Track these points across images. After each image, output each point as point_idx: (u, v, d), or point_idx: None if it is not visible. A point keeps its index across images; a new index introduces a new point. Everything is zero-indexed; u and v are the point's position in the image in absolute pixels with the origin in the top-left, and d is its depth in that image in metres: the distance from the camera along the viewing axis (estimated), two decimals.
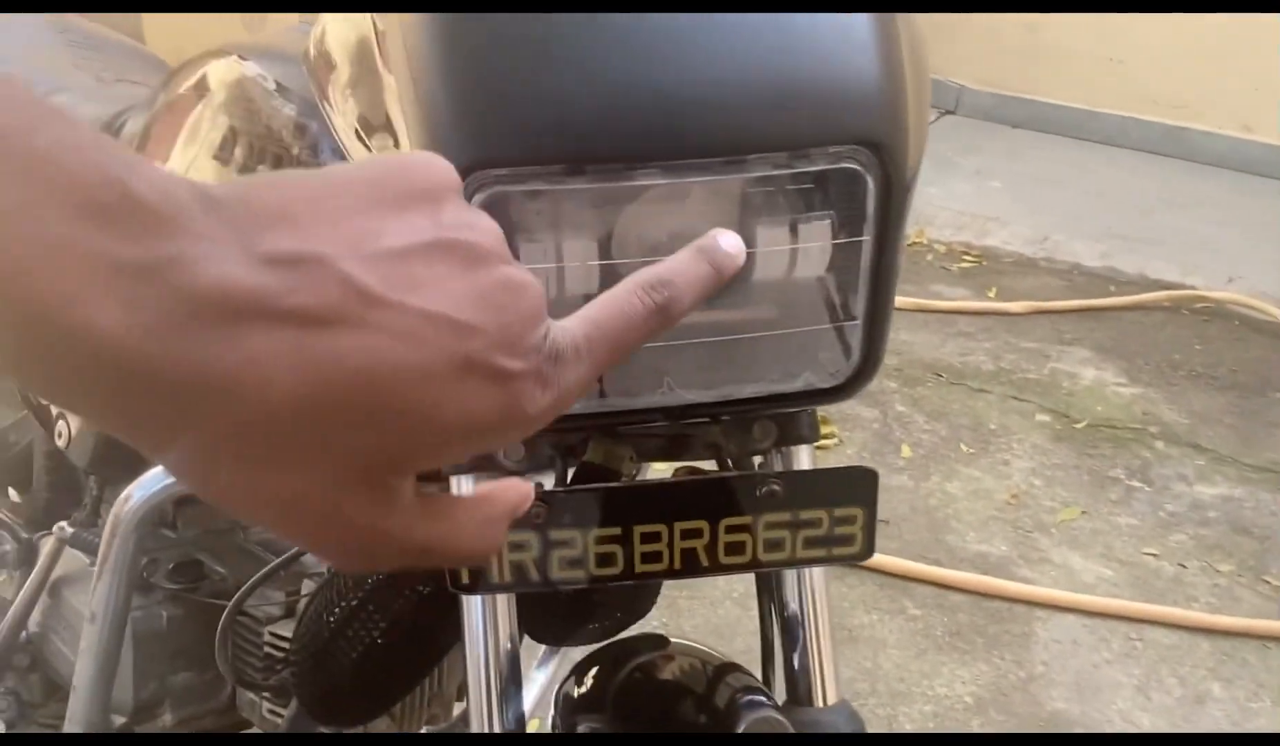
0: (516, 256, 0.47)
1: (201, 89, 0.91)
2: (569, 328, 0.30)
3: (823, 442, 2.15)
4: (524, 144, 0.45)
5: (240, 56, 0.90)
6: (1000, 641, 1.70)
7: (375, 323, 0.24)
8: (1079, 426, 2.26)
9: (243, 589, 0.81)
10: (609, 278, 0.48)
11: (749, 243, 0.48)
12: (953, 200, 3.32)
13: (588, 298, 0.48)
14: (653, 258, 0.47)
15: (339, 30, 0.63)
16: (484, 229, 0.27)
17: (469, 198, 0.45)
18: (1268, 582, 1.83)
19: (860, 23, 0.48)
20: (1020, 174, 3.58)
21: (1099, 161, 3.73)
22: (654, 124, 0.45)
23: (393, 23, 0.50)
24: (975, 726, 1.54)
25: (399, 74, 0.49)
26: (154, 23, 3.84)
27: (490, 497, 0.31)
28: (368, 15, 0.57)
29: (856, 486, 0.54)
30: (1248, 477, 2.11)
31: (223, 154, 0.87)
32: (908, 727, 1.54)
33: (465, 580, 0.53)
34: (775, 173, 0.47)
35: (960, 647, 1.69)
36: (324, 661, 0.71)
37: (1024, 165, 3.67)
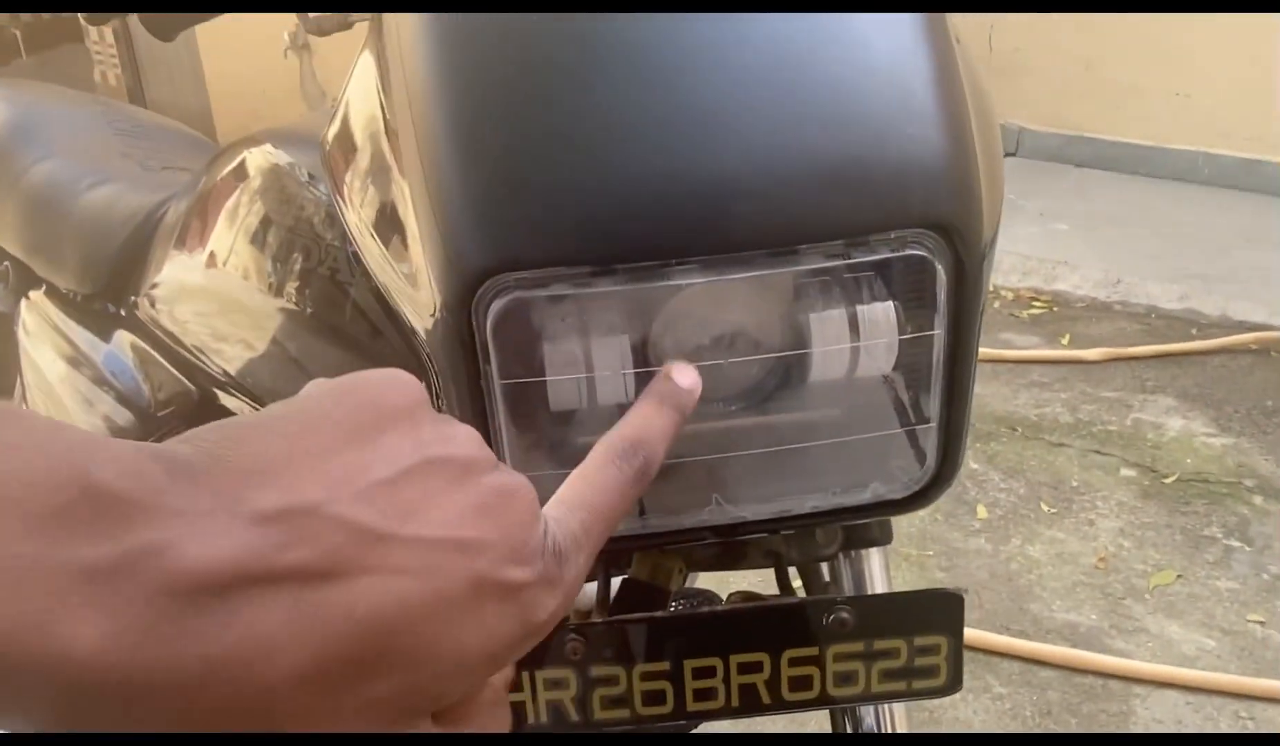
0: (542, 366, 0.42)
1: (240, 175, 0.91)
2: (563, 519, 0.28)
3: None
4: (546, 244, 0.40)
5: (274, 145, 0.89)
6: (1097, 721, 1.58)
7: (379, 561, 0.23)
8: (1168, 481, 2.13)
9: None
10: (644, 386, 0.42)
11: (803, 341, 0.43)
12: (1018, 244, 3.22)
13: (621, 408, 0.43)
14: (697, 362, 0.42)
15: (357, 114, 0.59)
16: (465, 439, 0.26)
17: (488, 304, 0.41)
18: None
19: (921, 88, 0.43)
20: (1088, 214, 3.47)
21: (1170, 199, 3.60)
22: (689, 215, 0.40)
23: (404, 110, 0.46)
24: None
25: (410, 168, 0.44)
26: (221, 104, 3.96)
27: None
28: (378, 99, 0.53)
29: (939, 611, 0.47)
30: None
31: (257, 240, 0.86)
32: None
33: None
34: (830, 264, 0.41)
35: (1052, 729, 1.57)
36: None
37: (1091, 205, 3.55)
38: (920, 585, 1.84)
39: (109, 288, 1.06)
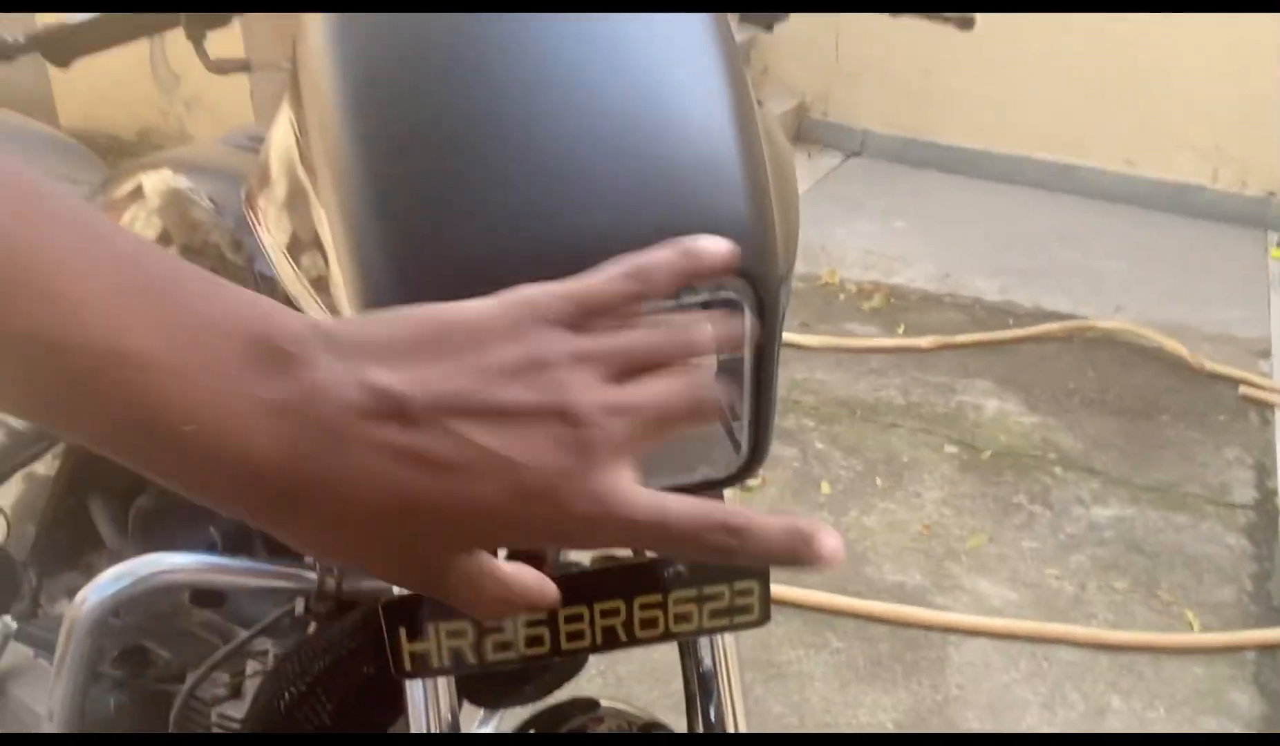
0: None
1: (136, 196, 0.96)
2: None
3: (748, 484, 2.29)
4: (448, 293, 0.52)
5: (172, 170, 0.96)
6: (918, 667, 1.80)
7: (444, 458, 0.30)
8: (984, 456, 2.39)
9: (194, 675, 0.86)
10: None
11: None
12: (861, 240, 3.48)
13: None
14: None
15: (277, 140, 0.67)
16: (583, 384, 0.32)
17: None
18: (1159, 597, 1.97)
19: (730, 165, 0.57)
20: (923, 213, 3.77)
21: (996, 199, 3.94)
22: (558, 267, 0.53)
23: (322, 163, 0.56)
24: None
25: (326, 201, 0.55)
26: (62, 85, 3.81)
27: (513, 586, 0.34)
28: (290, 122, 0.63)
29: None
30: (1138, 498, 2.26)
31: None
32: None
33: (408, 666, 0.59)
34: (665, 305, 0.55)
35: (881, 676, 1.78)
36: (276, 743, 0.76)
37: (926, 205, 3.86)
38: None
39: None
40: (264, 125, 0.96)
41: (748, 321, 0.57)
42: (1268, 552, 2.10)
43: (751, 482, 2.29)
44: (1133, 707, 1.73)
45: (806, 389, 2.63)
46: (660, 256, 0.38)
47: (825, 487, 2.27)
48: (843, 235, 3.49)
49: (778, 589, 1.93)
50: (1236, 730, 1.69)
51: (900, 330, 2.94)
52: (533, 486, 0.31)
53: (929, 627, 1.88)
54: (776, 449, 2.37)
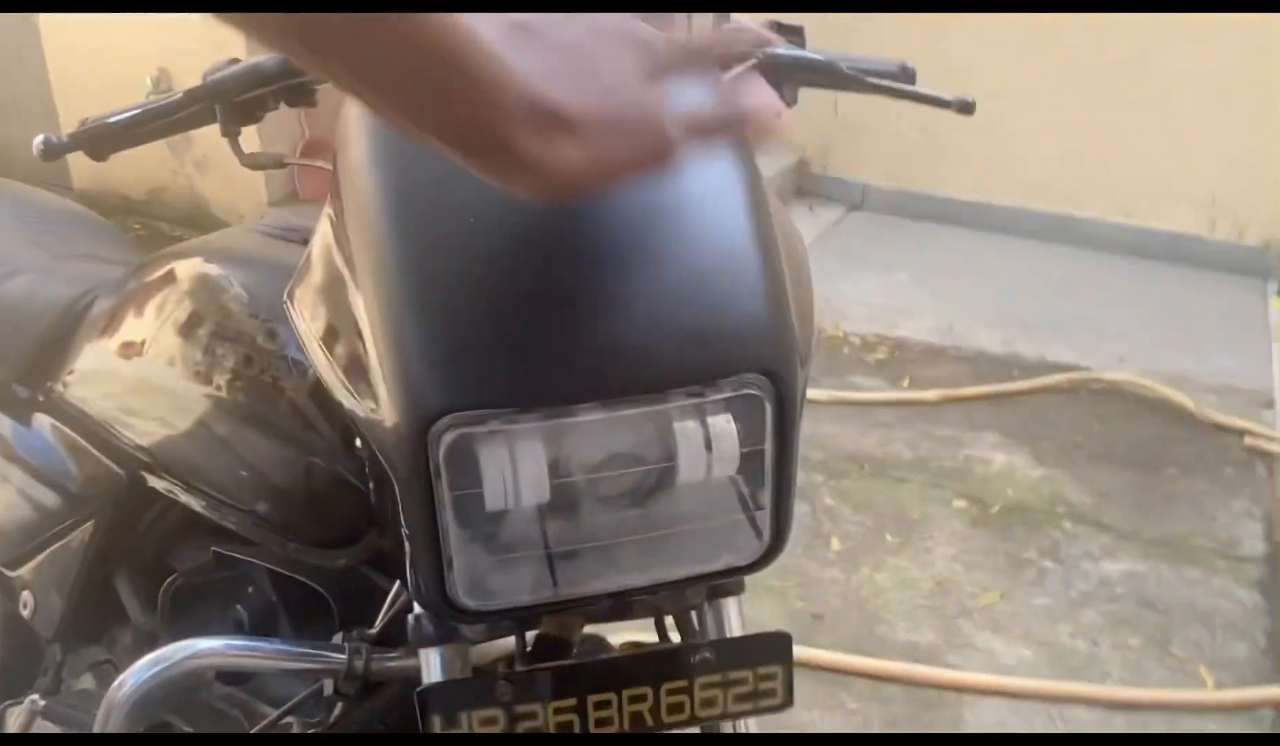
0: (479, 478, 0.56)
1: (169, 280, 0.98)
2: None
3: None
4: (485, 393, 0.55)
5: (204, 258, 0.99)
6: (934, 729, 1.80)
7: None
8: (993, 511, 2.40)
9: None
10: (557, 492, 0.57)
11: (672, 455, 0.58)
12: (864, 293, 3.51)
13: (541, 510, 0.58)
14: (593, 475, 0.57)
15: (318, 236, 0.70)
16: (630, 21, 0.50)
17: (439, 436, 0.55)
18: (1173, 654, 1.97)
19: (750, 269, 0.60)
20: (925, 265, 3.81)
21: (996, 250, 3.98)
22: (590, 371, 0.55)
23: (359, 244, 0.59)
24: None
25: (367, 298, 0.58)
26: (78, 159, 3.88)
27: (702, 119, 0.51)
28: (329, 218, 0.65)
29: (774, 648, 0.64)
30: (1149, 552, 2.27)
31: (188, 335, 0.93)
32: None
33: None
34: (691, 402, 0.57)
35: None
36: None
37: (928, 257, 3.90)
38: (781, 612, 2.03)
39: (30, 374, 1.12)
40: (296, 213, 0.99)
41: (768, 415, 0.59)
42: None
43: None
44: None
45: (815, 444, 2.64)
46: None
47: (835, 544, 2.28)
48: (846, 289, 3.53)
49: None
50: None
51: (905, 383, 2.96)
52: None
53: (943, 687, 1.87)
54: None
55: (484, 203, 0.57)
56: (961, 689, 1.87)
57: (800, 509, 2.38)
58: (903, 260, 3.83)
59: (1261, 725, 1.81)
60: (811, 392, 2.80)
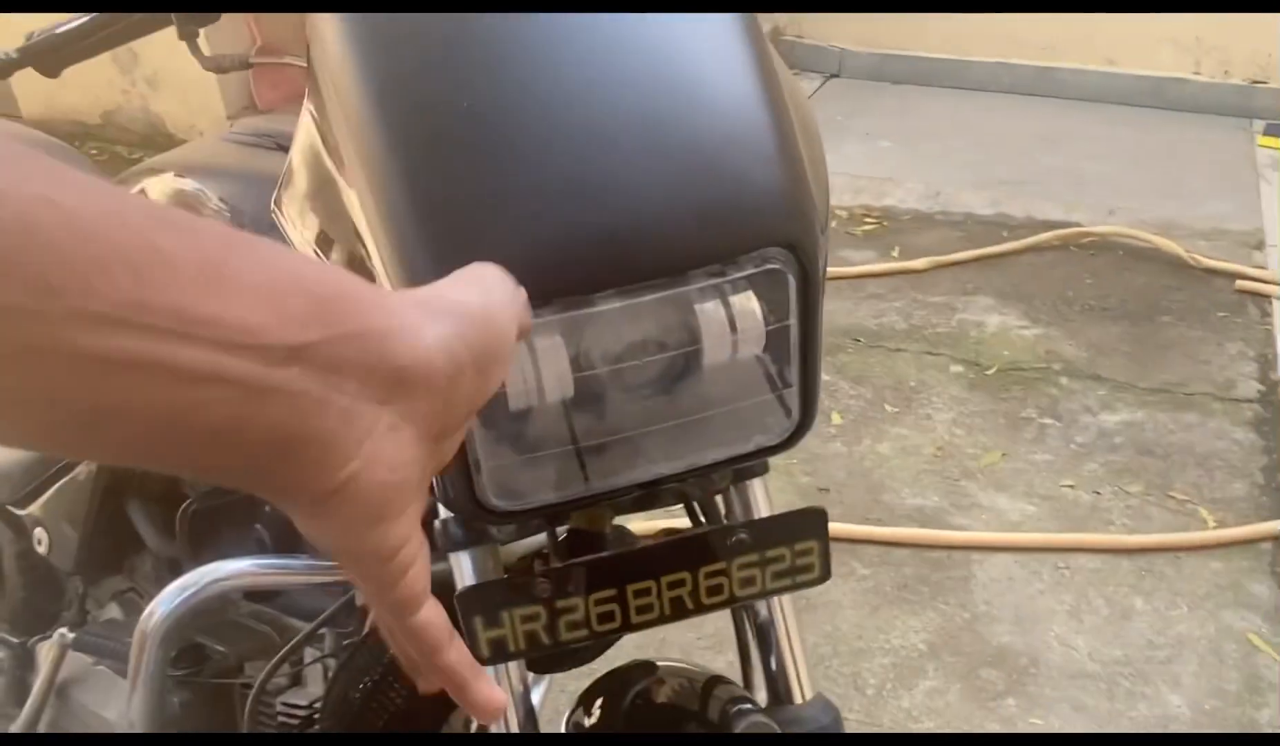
0: (502, 385, 0.55)
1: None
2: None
3: None
4: None
5: (176, 173, 0.95)
6: (944, 588, 1.84)
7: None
8: (990, 373, 2.42)
9: (264, 672, 0.87)
10: (581, 386, 0.56)
11: (696, 338, 0.57)
12: (848, 164, 3.46)
13: (565, 405, 0.56)
14: (616, 366, 0.55)
15: (299, 138, 0.66)
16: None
17: None
18: (1173, 497, 2.01)
19: (764, 136, 0.57)
20: (907, 130, 3.74)
21: (977, 109, 3.91)
22: (606, 257, 0.53)
23: (346, 139, 0.56)
24: (930, 670, 1.68)
25: (360, 193, 0.55)
26: (25, 86, 3.72)
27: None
28: (310, 115, 0.62)
29: (810, 524, 0.63)
30: (1146, 401, 2.29)
31: None
32: (870, 682, 1.66)
33: (486, 653, 0.61)
34: (711, 282, 0.55)
35: (908, 599, 1.82)
36: (355, 728, 0.78)
37: (909, 121, 3.83)
38: (789, 488, 2.05)
39: None
40: (268, 118, 0.94)
41: (792, 291, 0.57)
42: (1276, 444, 2.14)
43: None
44: (1156, 607, 1.77)
45: None
46: None
47: (836, 418, 2.29)
48: (830, 161, 3.44)
49: None
50: (1257, 621, 1.74)
51: (895, 253, 2.94)
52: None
53: (951, 548, 1.91)
54: None
55: (476, 87, 0.54)
56: (969, 548, 1.91)
57: None
58: (885, 127, 3.76)
59: (1262, 559, 1.86)
60: None
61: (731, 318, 0.56)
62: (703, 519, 0.74)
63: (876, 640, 1.74)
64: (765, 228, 0.55)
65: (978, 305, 2.68)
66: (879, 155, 3.56)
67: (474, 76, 0.55)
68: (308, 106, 0.63)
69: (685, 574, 0.62)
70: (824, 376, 2.42)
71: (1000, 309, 2.66)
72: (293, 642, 0.83)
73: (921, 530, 1.94)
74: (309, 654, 0.95)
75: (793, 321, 0.58)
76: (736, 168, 0.55)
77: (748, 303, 0.56)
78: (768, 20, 4.29)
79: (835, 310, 2.67)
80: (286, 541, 0.94)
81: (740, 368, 0.58)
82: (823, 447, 2.19)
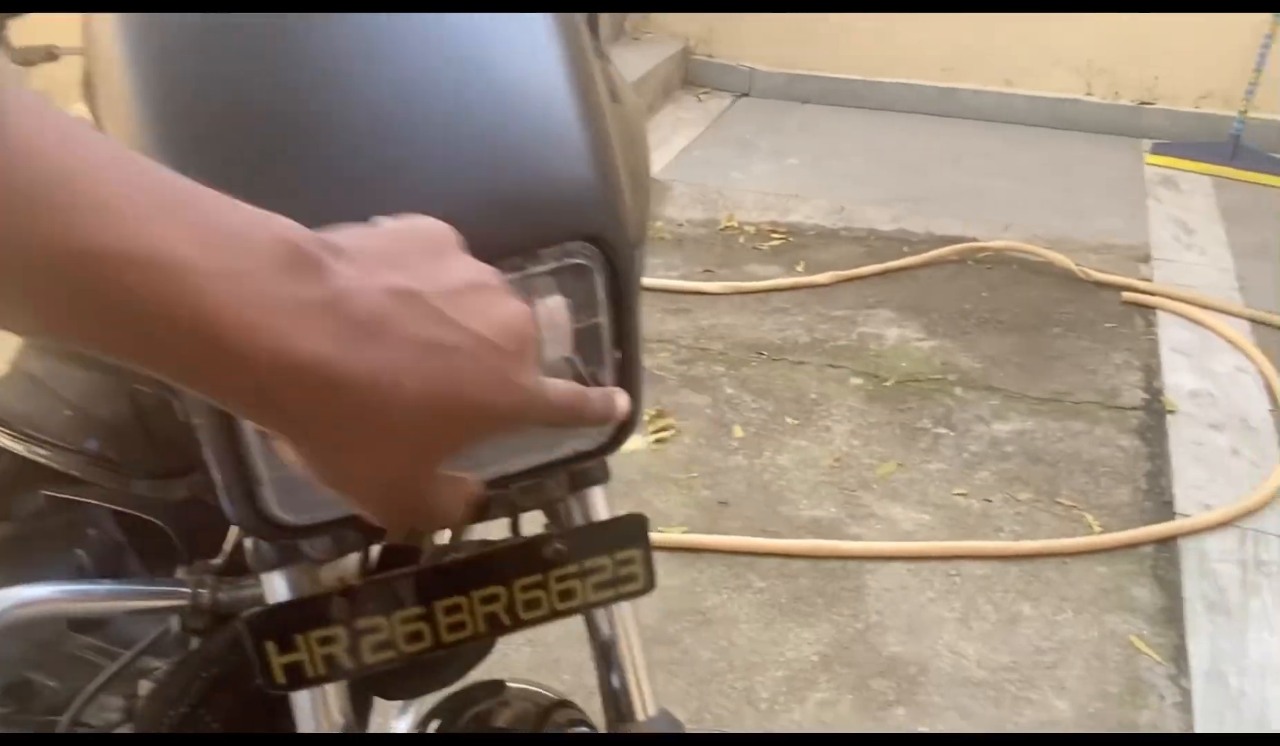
0: None
1: None
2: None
3: (661, 435, 2.28)
4: None
5: None
6: (839, 598, 1.84)
7: (455, 345, 0.34)
8: (888, 384, 2.44)
9: (77, 701, 0.81)
10: None
11: None
12: (756, 181, 3.48)
13: None
14: None
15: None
16: (491, 270, 0.37)
17: None
18: (1060, 504, 2.04)
19: (572, 127, 0.54)
20: (813, 149, 3.79)
21: (880, 128, 3.98)
22: None
23: (117, 136, 0.52)
24: (823, 681, 1.67)
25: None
26: None
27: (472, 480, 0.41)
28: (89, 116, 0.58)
29: (631, 531, 0.61)
30: (1036, 410, 2.34)
31: None
32: (764, 696, 1.64)
33: (281, 679, 0.57)
34: (512, 275, 0.52)
35: (803, 611, 1.81)
36: None
37: (816, 140, 3.88)
38: (690, 503, 2.04)
39: None
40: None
41: (599, 286, 0.55)
42: (1159, 450, 2.20)
43: (665, 433, 2.29)
44: (1042, 612, 1.79)
45: (714, 335, 2.63)
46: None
47: (738, 431, 2.28)
48: (739, 178, 3.48)
49: (699, 538, 1.94)
50: (1139, 624, 1.77)
51: (800, 267, 2.96)
52: (503, 369, 0.35)
53: (846, 558, 1.91)
54: (688, 397, 2.37)
55: (247, 77, 0.51)
56: (863, 558, 1.91)
57: (702, 400, 2.38)
58: (792, 145, 3.80)
59: (1144, 562, 1.90)
60: (709, 285, 2.79)
61: (535, 314, 0.53)
62: (542, 529, 0.71)
63: (770, 653, 1.72)
64: (568, 221, 0.53)
65: (878, 318, 2.71)
66: (786, 172, 3.59)
67: (249, 69, 0.51)
68: (81, 106, 0.59)
69: (499, 588, 0.58)
70: (728, 391, 2.43)
71: (900, 322, 2.69)
72: (104, 674, 0.77)
73: (817, 541, 1.94)
74: (143, 687, 0.89)
75: (602, 319, 0.55)
76: (539, 161, 0.53)
77: (552, 299, 0.54)
78: (678, 39, 4.31)
79: (740, 324, 2.68)
80: (112, 566, 0.88)
81: (549, 369, 0.55)
82: (724, 461, 2.18)
